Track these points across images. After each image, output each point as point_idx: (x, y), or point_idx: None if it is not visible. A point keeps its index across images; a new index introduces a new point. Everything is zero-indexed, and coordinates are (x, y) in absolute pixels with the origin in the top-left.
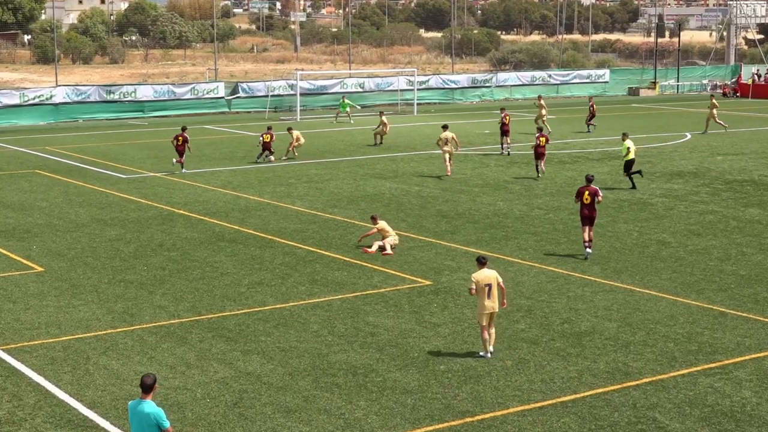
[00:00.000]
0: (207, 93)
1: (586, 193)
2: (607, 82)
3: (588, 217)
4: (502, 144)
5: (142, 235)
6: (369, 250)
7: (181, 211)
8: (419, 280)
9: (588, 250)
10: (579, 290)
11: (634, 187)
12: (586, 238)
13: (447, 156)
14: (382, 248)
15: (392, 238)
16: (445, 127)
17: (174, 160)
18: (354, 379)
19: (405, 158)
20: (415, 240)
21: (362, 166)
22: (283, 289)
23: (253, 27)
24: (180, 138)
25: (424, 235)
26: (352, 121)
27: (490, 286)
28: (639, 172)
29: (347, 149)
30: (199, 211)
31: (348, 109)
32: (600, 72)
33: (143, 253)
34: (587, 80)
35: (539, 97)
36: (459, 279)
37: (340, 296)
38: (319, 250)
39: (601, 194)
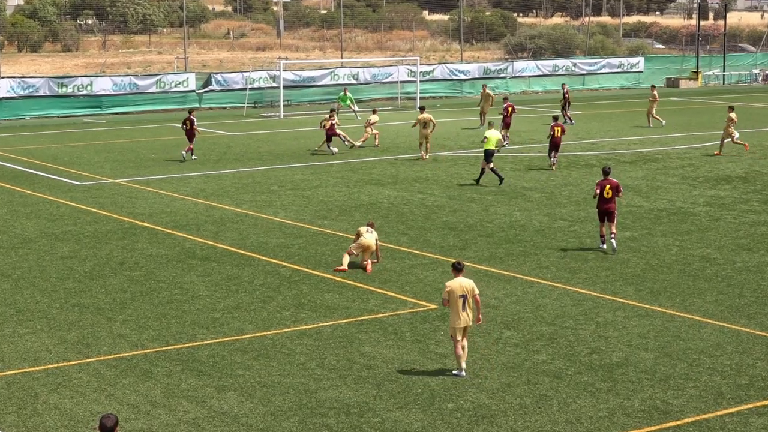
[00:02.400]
0: (175, 86)
1: (608, 187)
2: (642, 71)
3: (607, 211)
4: (503, 136)
5: (99, 252)
6: (342, 267)
7: (146, 224)
8: (423, 303)
9: (613, 242)
10: (610, 315)
11: (501, 180)
12: (604, 232)
13: (425, 140)
14: (362, 267)
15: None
16: (422, 109)
17: (183, 151)
18: (347, 419)
19: (406, 161)
20: (418, 257)
21: (356, 171)
22: (265, 314)
23: (229, 9)
24: (187, 122)
25: (428, 251)
26: (359, 117)
27: (465, 297)
28: (494, 171)
29: (339, 151)
30: (166, 224)
31: (350, 103)
32: (633, 60)
33: (101, 273)
34: (618, 70)
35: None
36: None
37: (330, 322)
38: (306, 269)
39: (621, 189)
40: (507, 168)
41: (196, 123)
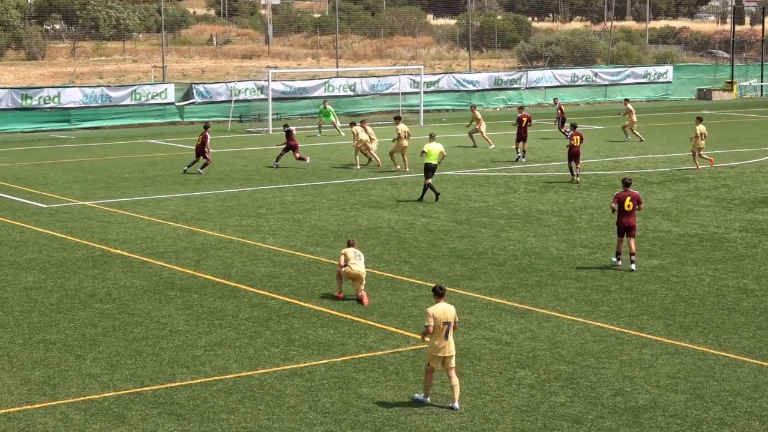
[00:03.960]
0: (152, 97)
1: (628, 199)
2: (670, 82)
3: (627, 227)
4: (516, 148)
5: (67, 283)
6: (340, 293)
7: (119, 251)
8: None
9: (632, 266)
10: (635, 353)
11: (437, 197)
12: (621, 249)
13: (403, 152)
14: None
15: (362, 285)
16: (398, 119)
17: (200, 168)
18: None
19: (408, 182)
20: (422, 288)
21: (353, 192)
22: (251, 351)
23: (212, 12)
24: (200, 137)
25: (433, 282)
26: (342, 134)
27: (448, 324)
28: (431, 187)
29: (334, 170)
30: (141, 251)
31: (333, 118)
32: (661, 69)
33: (69, 306)
34: (644, 80)
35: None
36: (479, 338)
37: (324, 361)
38: (297, 301)
39: (642, 201)
40: (521, 188)
41: (209, 141)
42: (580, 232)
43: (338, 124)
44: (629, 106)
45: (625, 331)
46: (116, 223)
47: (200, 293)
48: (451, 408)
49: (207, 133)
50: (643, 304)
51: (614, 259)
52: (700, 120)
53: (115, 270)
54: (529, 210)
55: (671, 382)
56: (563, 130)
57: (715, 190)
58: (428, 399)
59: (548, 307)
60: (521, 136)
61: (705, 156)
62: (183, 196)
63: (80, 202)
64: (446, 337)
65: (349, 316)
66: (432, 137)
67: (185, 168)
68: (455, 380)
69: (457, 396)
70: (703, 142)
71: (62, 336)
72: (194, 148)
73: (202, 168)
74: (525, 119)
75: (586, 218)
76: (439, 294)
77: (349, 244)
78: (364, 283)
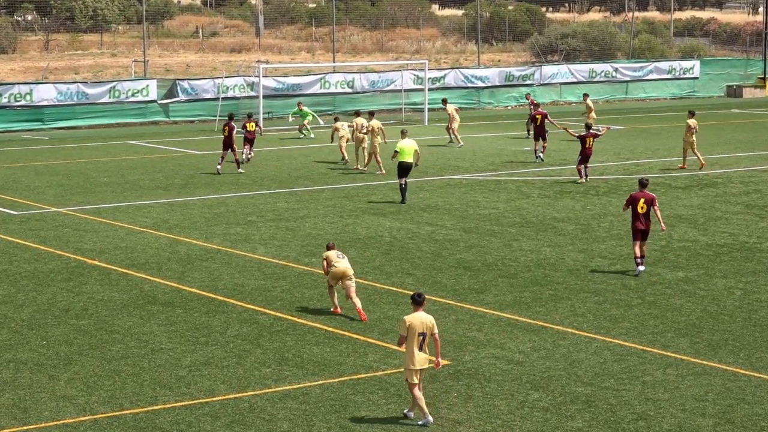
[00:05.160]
0: (133, 95)
1: (642, 200)
2: (697, 78)
3: (642, 230)
4: (535, 149)
5: (40, 297)
6: (337, 309)
7: (96, 262)
8: (432, 358)
9: (640, 267)
10: (659, 373)
11: (403, 201)
12: (638, 253)
13: (377, 150)
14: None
15: (351, 283)
16: (371, 114)
17: (239, 170)
18: None
19: (412, 186)
20: (426, 302)
21: (352, 198)
22: (240, 371)
23: (198, 2)
24: (226, 128)
25: (439, 296)
26: (312, 135)
27: (424, 335)
28: (403, 195)
29: (330, 173)
30: (121, 262)
31: (308, 119)
32: (686, 64)
33: (42, 322)
34: (668, 76)
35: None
36: (489, 357)
37: (320, 382)
38: (290, 317)
39: (657, 204)
40: (534, 194)
41: (234, 133)
42: (598, 241)
43: (315, 119)
44: (589, 101)
45: (648, 349)
46: (93, 232)
47: (185, 308)
48: (405, 415)
49: (233, 124)
50: (668, 320)
51: (638, 268)
52: (692, 114)
53: (91, 283)
54: (543, 217)
55: (698, 405)
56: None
57: (746, 196)
58: (429, 418)
59: (564, 324)
60: (541, 135)
61: (698, 153)
62: (166, 202)
63: (54, 209)
64: (420, 348)
65: (346, 333)
66: (404, 134)
67: (218, 168)
68: (421, 394)
69: (414, 408)
70: (694, 137)
71: (34, 355)
72: (221, 142)
73: (240, 165)
74: (540, 117)
75: (605, 226)
76: (417, 302)
77: (329, 248)
78: (354, 281)
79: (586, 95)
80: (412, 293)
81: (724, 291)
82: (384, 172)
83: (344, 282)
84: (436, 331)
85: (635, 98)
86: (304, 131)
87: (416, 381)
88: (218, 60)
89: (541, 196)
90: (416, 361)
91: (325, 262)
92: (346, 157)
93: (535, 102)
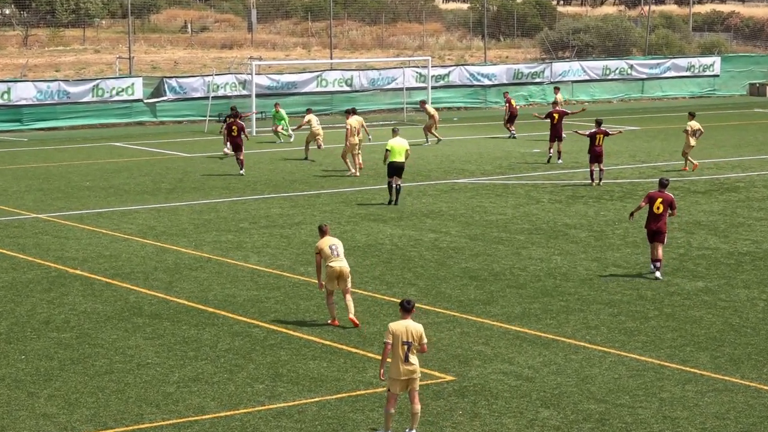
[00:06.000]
0: (117, 93)
1: (659, 200)
2: (718, 75)
3: (656, 232)
4: (549, 148)
5: (18, 308)
6: (335, 321)
7: (78, 272)
8: (436, 374)
9: (657, 273)
10: (677, 389)
11: (390, 201)
12: (657, 256)
13: (357, 150)
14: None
15: (348, 281)
16: (353, 112)
17: (225, 150)
18: None
19: (414, 191)
20: (430, 314)
21: (350, 203)
22: (231, 388)
23: None
24: (234, 127)
25: (443, 307)
26: (291, 135)
27: (410, 344)
28: (389, 186)
29: (327, 177)
30: (104, 272)
31: (284, 122)
32: (706, 61)
33: (20, 335)
34: (687, 73)
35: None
36: (496, 373)
37: (317, 399)
38: (284, 330)
39: (676, 206)
40: (544, 199)
41: (245, 127)
42: (612, 249)
43: (287, 128)
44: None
45: (666, 364)
46: (75, 239)
47: (172, 320)
48: None
49: (241, 122)
50: (687, 333)
51: (654, 272)
52: (692, 116)
53: (73, 293)
54: (553, 224)
55: (719, 423)
56: (510, 126)
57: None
58: None
59: (576, 337)
60: (557, 135)
61: (690, 159)
62: (152, 207)
63: (33, 215)
64: (406, 358)
65: (345, 347)
66: (395, 132)
67: (240, 171)
68: (417, 407)
69: (415, 425)
70: (694, 140)
71: (12, 370)
72: (229, 140)
73: (227, 152)
74: (557, 115)
75: (620, 233)
76: (406, 309)
77: (322, 231)
78: (350, 281)
79: (557, 89)
80: (401, 300)
81: (747, 302)
82: (357, 174)
83: (340, 283)
84: (425, 341)
85: (652, 97)
86: (280, 134)
87: (398, 392)
88: (208, 56)
89: (551, 201)
90: (400, 371)
91: (318, 256)
92: (309, 157)
93: (513, 101)
